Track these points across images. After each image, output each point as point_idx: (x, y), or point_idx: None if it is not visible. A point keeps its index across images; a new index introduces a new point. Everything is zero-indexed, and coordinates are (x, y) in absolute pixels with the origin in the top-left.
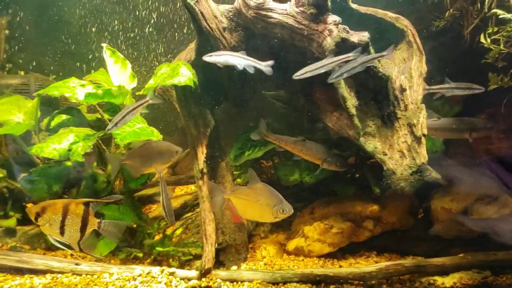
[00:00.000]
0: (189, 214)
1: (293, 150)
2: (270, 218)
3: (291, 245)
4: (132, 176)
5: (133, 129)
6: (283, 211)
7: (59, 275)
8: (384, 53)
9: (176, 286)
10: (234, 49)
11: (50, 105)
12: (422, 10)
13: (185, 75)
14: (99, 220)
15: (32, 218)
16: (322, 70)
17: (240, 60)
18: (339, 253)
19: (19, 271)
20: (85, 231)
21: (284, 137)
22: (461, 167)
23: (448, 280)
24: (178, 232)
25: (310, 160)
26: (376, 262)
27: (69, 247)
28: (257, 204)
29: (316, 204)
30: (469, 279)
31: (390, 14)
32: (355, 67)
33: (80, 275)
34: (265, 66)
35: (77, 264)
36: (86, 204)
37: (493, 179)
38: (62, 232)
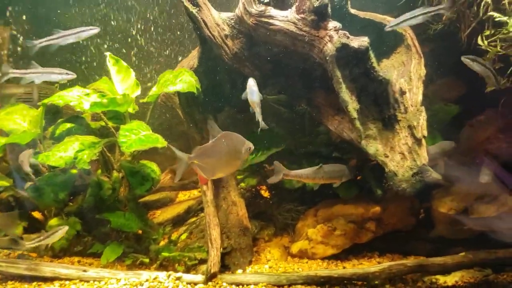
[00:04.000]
0: (193, 219)
1: (314, 180)
2: (239, 164)
3: (295, 247)
4: (137, 183)
5: (138, 137)
6: (250, 148)
7: (67, 282)
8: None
9: None
10: (236, 55)
11: (53, 113)
12: None
13: (187, 82)
14: None
15: None
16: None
17: None
18: (343, 255)
19: (28, 279)
20: None
21: (302, 170)
22: (460, 167)
23: (450, 279)
24: (183, 237)
25: (329, 182)
26: (379, 263)
27: None
28: (225, 157)
29: (319, 207)
30: (471, 277)
31: (388, 18)
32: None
33: (88, 281)
34: None
35: (84, 270)
36: None
37: (493, 178)
38: None
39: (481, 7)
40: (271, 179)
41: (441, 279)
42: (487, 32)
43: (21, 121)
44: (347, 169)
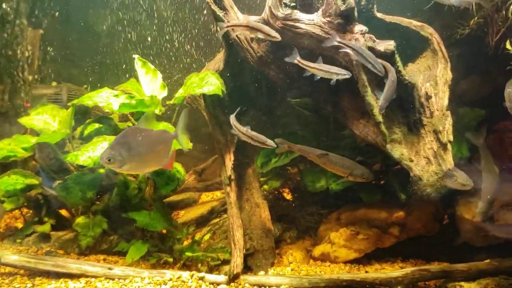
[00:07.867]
0: (216, 220)
1: (316, 161)
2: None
3: (317, 251)
4: (162, 183)
5: None
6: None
7: (93, 279)
8: None
9: None
10: (261, 58)
11: (82, 114)
12: (447, 18)
13: (213, 84)
14: None
15: None
16: None
17: None
18: (365, 259)
19: (55, 275)
20: None
21: (307, 148)
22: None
23: (475, 286)
24: (206, 237)
25: (335, 172)
26: (402, 268)
27: None
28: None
29: (343, 211)
30: (496, 285)
31: (415, 22)
32: None
33: (113, 279)
34: None
35: (109, 268)
36: None
37: None
38: None
39: (510, 11)
40: (277, 149)
41: (465, 286)
42: None
43: (51, 121)
44: (360, 169)
